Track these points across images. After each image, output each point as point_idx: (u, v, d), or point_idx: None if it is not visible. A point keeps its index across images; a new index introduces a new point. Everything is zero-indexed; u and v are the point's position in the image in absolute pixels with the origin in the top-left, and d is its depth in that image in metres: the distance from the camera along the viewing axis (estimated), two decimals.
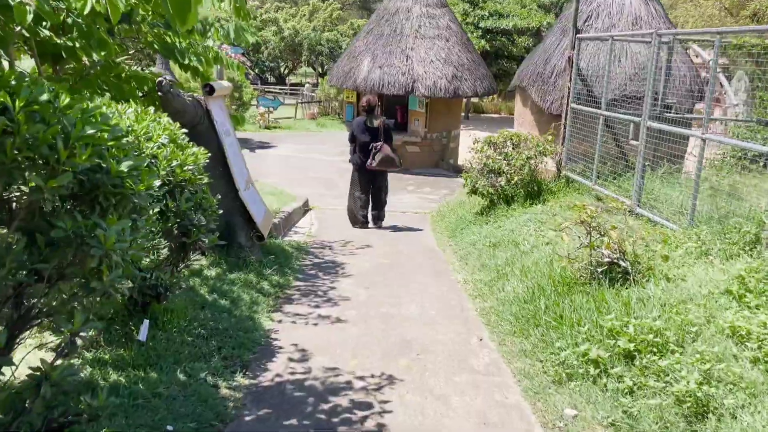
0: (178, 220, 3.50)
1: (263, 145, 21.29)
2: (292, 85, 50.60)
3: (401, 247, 7.82)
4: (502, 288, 5.35)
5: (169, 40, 6.83)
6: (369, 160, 8.60)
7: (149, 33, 6.86)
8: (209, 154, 4.04)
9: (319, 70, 50.73)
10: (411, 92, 16.62)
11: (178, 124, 4.00)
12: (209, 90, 5.51)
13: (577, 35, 7.78)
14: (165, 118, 4.75)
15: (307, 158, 19.00)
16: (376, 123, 8.70)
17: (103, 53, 5.79)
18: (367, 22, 18.58)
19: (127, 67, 7.06)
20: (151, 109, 5.56)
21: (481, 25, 32.74)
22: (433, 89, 16.53)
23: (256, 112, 26.10)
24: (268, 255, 6.30)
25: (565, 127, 8.15)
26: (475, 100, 35.26)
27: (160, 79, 4.98)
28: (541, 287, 4.73)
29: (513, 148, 7.99)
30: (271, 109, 26.63)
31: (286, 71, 55.84)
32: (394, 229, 9.43)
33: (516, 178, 7.59)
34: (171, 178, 3.44)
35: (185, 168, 3.53)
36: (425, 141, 17.65)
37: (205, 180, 3.93)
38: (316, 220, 10.09)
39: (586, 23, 10.83)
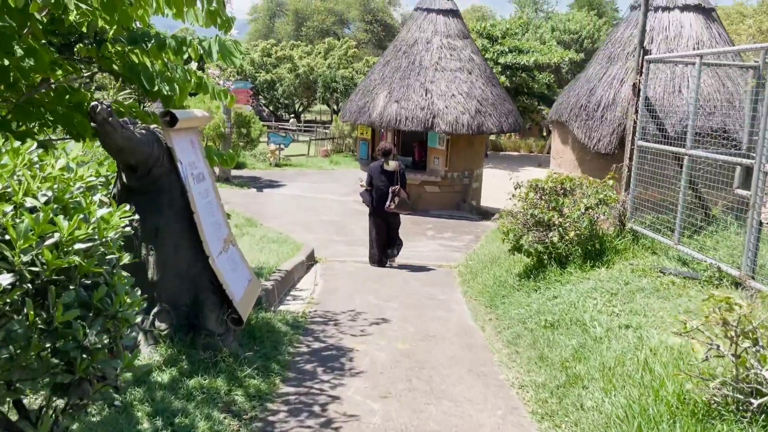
0: (50, 344, 1.97)
1: (272, 184, 19.92)
2: (306, 122, 49.72)
3: (427, 322, 6.18)
4: (578, 403, 3.70)
5: (136, 60, 5.41)
6: (388, 202, 8.93)
7: (109, 49, 5.43)
8: (135, 217, 2.51)
9: (334, 107, 49.86)
10: (430, 128, 15.19)
11: (92, 170, 2.50)
12: (169, 120, 4.03)
13: (646, 57, 6.31)
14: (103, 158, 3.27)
15: (318, 198, 17.56)
16: (392, 167, 9.04)
17: (31, 64, 4.36)
18: (383, 54, 17.31)
19: (89, 93, 5.64)
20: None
21: (501, 60, 31.57)
22: (455, 125, 15.09)
23: (266, 149, 24.84)
24: (250, 339, 4.73)
25: (629, 170, 6.60)
26: (493, 137, 33.89)
27: (94, 104, 3.51)
28: (647, 413, 3.10)
29: (564, 195, 6.44)
30: (282, 146, 25.37)
31: (301, 108, 55.10)
32: (415, 290, 7.86)
33: (572, 234, 6.02)
34: (37, 268, 1.91)
35: (70, 248, 1.99)
36: (446, 181, 16.15)
37: (125, 259, 2.39)
38: (321, 278, 8.52)
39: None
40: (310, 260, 9.45)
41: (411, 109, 15.27)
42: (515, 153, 36.43)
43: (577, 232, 6.04)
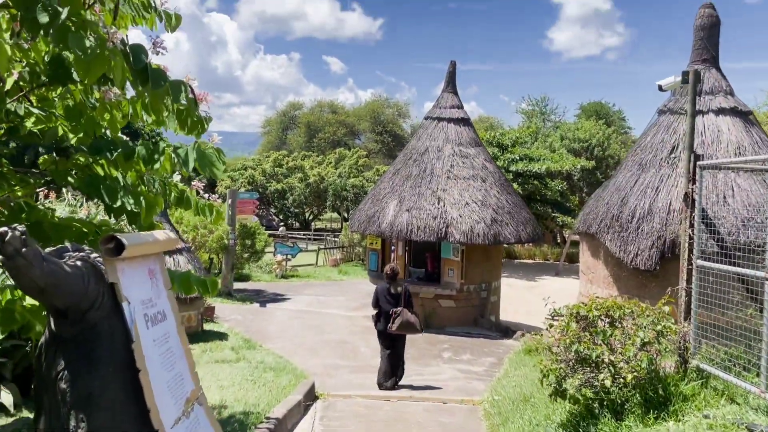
0: None
1: (277, 298, 18.84)
2: (316, 230, 49.37)
3: None
4: None
5: (101, 172, 4.57)
6: (389, 324, 9.04)
7: (70, 160, 4.62)
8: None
9: (345, 214, 49.72)
10: (444, 238, 14.29)
11: None
12: (114, 247, 3.08)
13: (699, 162, 5.43)
14: None
15: (325, 314, 16.39)
16: (398, 289, 9.28)
17: None
18: (394, 163, 16.78)
19: (49, 211, 4.77)
20: None
21: (512, 168, 31.35)
22: (470, 235, 14.19)
23: (272, 261, 23.98)
24: None
25: (688, 295, 5.53)
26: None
27: (2, 229, 2.58)
28: None
29: (612, 325, 5.34)
30: (289, 256, 24.53)
31: (311, 217, 55.03)
32: None
33: (630, 376, 4.86)
34: None
35: None
36: (461, 294, 15.02)
37: None
38: (320, 424, 7.24)
39: (672, 155, 8.56)
40: (309, 397, 8.18)
41: (423, 218, 14.46)
42: (530, 261, 35.38)
43: (635, 373, 4.89)
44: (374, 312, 9.48)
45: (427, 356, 12.07)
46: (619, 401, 5.07)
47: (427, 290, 15.08)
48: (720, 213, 7.69)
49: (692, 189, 5.50)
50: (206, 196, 5.83)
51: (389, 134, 62.76)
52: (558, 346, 5.35)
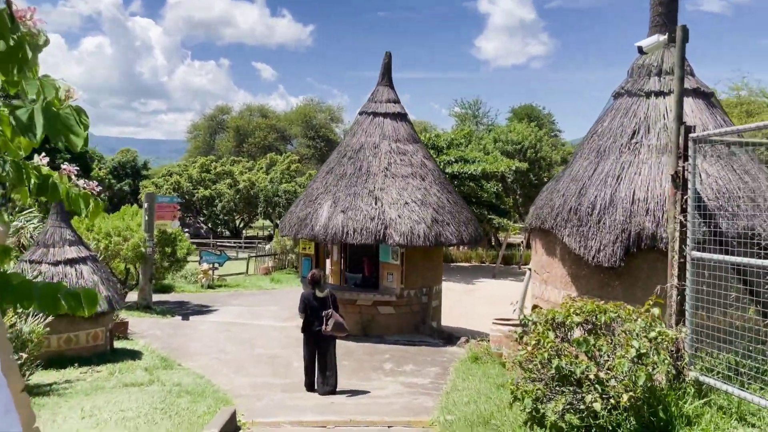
0: None
1: (202, 310, 17.30)
2: (247, 238, 47.43)
3: None
4: None
5: None
6: (323, 326, 9.11)
7: None
8: None
9: (276, 221, 48.02)
10: (382, 241, 13.26)
11: None
12: None
13: (691, 135, 4.62)
14: None
15: (255, 326, 15.04)
16: (323, 294, 9.36)
17: None
18: (327, 161, 15.64)
19: None
20: None
21: (448, 170, 30.75)
22: (410, 236, 13.23)
23: (197, 270, 22.30)
24: None
25: (680, 293, 4.69)
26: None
27: None
28: None
29: (592, 333, 4.42)
30: (216, 265, 22.90)
31: (242, 224, 52.93)
32: None
33: (626, 397, 3.94)
34: None
35: None
36: (402, 300, 14.03)
37: None
38: None
39: (633, 140, 7.83)
40: (229, 430, 6.90)
41: (359, 220, 13.39)
42: (467, 264, 34.93)
43: (631, 393, 3.99)
44: (302, 319, 9.44)
45: (367, 369, 10.99)
46: (610, 427, 4.15)
47: (365, 297, 14.01)
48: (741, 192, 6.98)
49: (684, 167, 4.70)
50: (80, 183, 4.50)
51: (322, 139, 61.43)
52: (533, 362, 4.39)
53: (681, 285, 4.73)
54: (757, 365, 4.40)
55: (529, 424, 4.39)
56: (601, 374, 4.18)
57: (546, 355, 4.28)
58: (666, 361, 4.28)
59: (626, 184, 7.52)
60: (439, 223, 13.76)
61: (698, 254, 4.56)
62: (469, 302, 20.84)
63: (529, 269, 16.11)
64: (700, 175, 7.24)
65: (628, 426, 4.16)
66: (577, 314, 4.58)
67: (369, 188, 13.98)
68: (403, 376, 10.51)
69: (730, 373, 4.40)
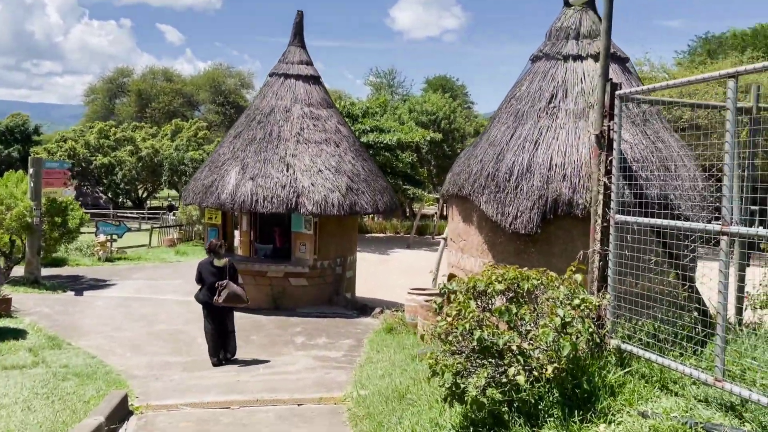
0: None
1: (98, 284, 16.06)
2: (151, 209, 45.12)
3: None
4: None
5: None
6: (215, 297, 8.88)
7: None
8: None
9: (183, 191, 45.98)
10: (294, 209, 12.67)
11: None
12: None
13: (617, 92, 4.38)
14: None
15: (156, 300, 14.10)
16: (221, 263, 9.11)
17: None
18: (234, 125, 14.73)
19: None
20: None
21: (363, 139, 30.26)
22: (324, 205, 12.71)
23: (94, 242, 20.77)
24: None
25: (603, 259, 4.49)
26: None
27: None
28: None
29: (517, 302, 4.14)
30: (114, 236, 21.43)
31: (145, 194, 50.33)
32: None
33: (550, 369, 3.69)
34: None
35: None
36: (315, 271, 13.54)
37: None
38: None
39: (551, 104, 7.65)
40: (119, 415, 6.19)
41: (270, 188, 12.71)
42: (381, 235, 34.85)
43: (555, 365, 3.73)
44: (198, 288, 9.21)
45: (277, 343, 10.47)
46: (533, 400, 3.90)
47: (277, 268, 13.41)
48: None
49: (609, 126, 4.47)
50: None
51: (232, 105, 59.02)
52: (452, 333, 4.05)
53: (604, 250, 4.54)
54: (677, 331, 4.28)
55: (449, 400, 4.07)
56: (525, 345, 3.92)
57: (468, 326, 3.96)
58: (590, 330, 4.08)
59: (544, 149, 7.34)
60: (354, 191, 13.32)
61: (622, 218, 4.36)
62: (384, 273, 20.65)
63: (444, 239, 16.05)
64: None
65: (551, 398, 3.93)
66: (499, 282, 4.30)
67: (280, 154, 13.29)
68: (315, 350, 10.09)
69: (650, 340, 4.26)
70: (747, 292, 5.83)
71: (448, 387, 3.89)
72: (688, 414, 3.54)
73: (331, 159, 13.54)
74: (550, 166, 7.20)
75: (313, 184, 12.91)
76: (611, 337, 4.34)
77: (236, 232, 15.68)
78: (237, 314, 12.65)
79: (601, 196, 4.55)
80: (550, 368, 3.75)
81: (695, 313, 4.48)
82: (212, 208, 13.65)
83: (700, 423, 3.34)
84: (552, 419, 3.82)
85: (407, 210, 38.72)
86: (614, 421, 3.68)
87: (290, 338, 10.86)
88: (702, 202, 6.57)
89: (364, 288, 15.76)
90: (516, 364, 3.83)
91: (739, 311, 4.98)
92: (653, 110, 7.32)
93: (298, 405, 6.75)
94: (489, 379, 3.85)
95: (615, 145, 4.42)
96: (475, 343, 3.90)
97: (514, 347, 3.87)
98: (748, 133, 4.77)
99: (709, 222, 4.31)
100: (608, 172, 4.51)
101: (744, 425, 3.31)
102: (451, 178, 8.59)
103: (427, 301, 9.96)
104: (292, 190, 12.75)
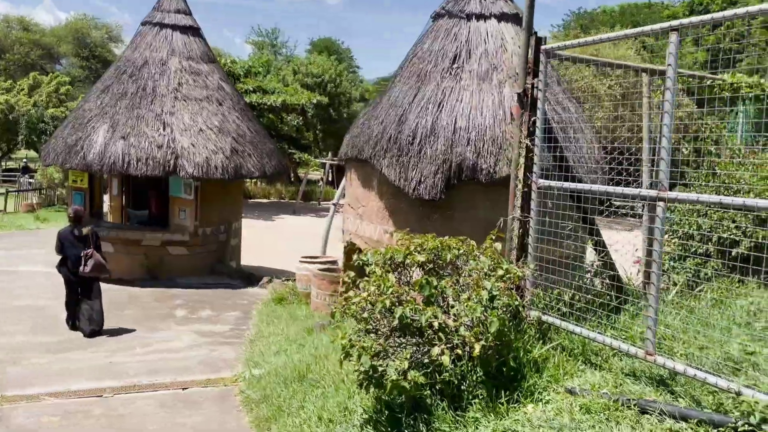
0: None
1: None
2: (6, 171, 40.65)
3: None
4: None
5: None
6: (81, 267, 8.57)
7: None
8: None
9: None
10: (172, 172, 11.63)
11: None
12: None
13: (543, 46, 4.07)
14: None
15: (14, 273, 12.55)
16: (84, 231, 8.78)
17: None
18: (102, 78, 13.23)
19: None
20: None
21: (245, 100, 28.86)
22: (206, 168, 11.78)
23: None
24: None
25: (523, 226, 4.20)
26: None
27: None
28: None
29: (437, 274, 3.77)
30: None
31: None
32: None
33: (478, 347, 3.35)
34: None
35: None
36: (196, 239, 12.61)
37: None
38: None
39: (455, 65, 7.33)
40: None
41: (144, 148, 11.55)
42: (265, 200, 33.75)
43: (483, 342, 3.42)
44: (59, 259, 8.81)
45: (155, 317, 9.60)
46: (456, 381, 3.58)
47: (153, 236, 12.33)
48: (511, 134, 6.72)
49: (534, 84, 4.17)
50: None
51: (98, 60, 54.11)
52: (366, 309, 3.62)
53: (524, 217, 4.29)
54: (593, 299, 4.14)
55: (364, 385, 3.66)
56: (450, 322, 3.58)
57: (387, 302, 3.55)
58: (516, 303, 3.83)
59: (448, 111, 7.03)
60: (240, 153, 12.46)
61: (546, 182, 4.12)
62: (270, 240, 19.88)
63: (334, 205, 15.57)
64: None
65: (474, 378, 3.65)
66: (419, 252, 3.91)
67: (156, 111, 12.10)
68: (198, 324, 9.35)
69: (569, 310, 4.10)
70: (638, 257, 5.92)
71: (365, 371, 3.47)
72: (618, 390, 3.39)
73: (213, 118, 12.55)
74: (454, 129, 6.91)
75: (193, 145, 11.90)
76: (531, 309, 4.12)
77: (106, 197, 14.32)
78: (109, 286, 11.56)
79: (522, 159, 4.27)
80: (477, 347, 3.44)
81: (608, 281, 4.37)
82: (77, 169, 12.22)
83: (632, 400, 3.19)
84: (477, 401, 3.54)
85: (292, 175, 37.78)
86: (542, 400, 3.46)
87: (170, 311, 10.01)
88: (600, 168, 6.59)
89: (250, 256, 14.99)
90: (440, 344, 3.49)
91: (647, 276, 4.97)
92: (554, 75, 7.21)
93: (183, 389, 6.07)
94: (412, 360, 3.47)
95: (539, 104, 4.14)
96: (396, 322, 3.50)
97: (436, 324, 3.52)
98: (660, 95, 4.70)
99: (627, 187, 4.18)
100: (530, 134, 4.24)
101: (678, 401, 3.19)
102: (349, 140, 8.09)
103: (322, 270, 9.49)
104: (170, 150, 11.67)
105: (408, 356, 3.45)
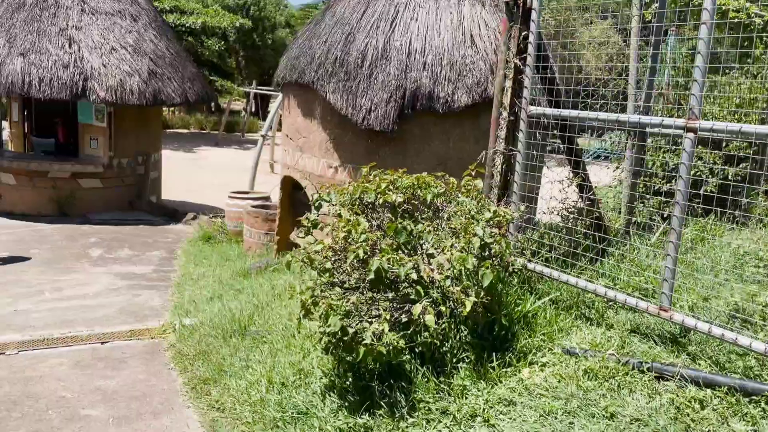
0: None
1: None
2: None
3: None
4: None
5: None
6: None
7: None
8: None
9: None
10: (81, 96, 10.35)
11: None
12: None
13: None
14: None
15: None
16: None
17: None
18: None
19: None
20: None
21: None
22: (120, 92, 10.55)
23: None
24: None
25: (508, 162, 3.63)
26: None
27: None
28: None
29: (412, 216, 3.18)
30: None
31: None
32: None
33: (469, 305, 2.83)
34: None
35: None
36: (111, 171, 11.47)
37: None
38: None
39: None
40: None
41: (48, 67, 10.16)
42: (185, 131, 31.81)
43: (474, 299, 2.90)
44: None
45: (67, 257, 8.60)
46: (437, 342, 3.05)
47: (61, 167, 11.08)
48: (471, 59, 6.08)
49: None
50: None
51: None
52: (338, 260, 2.99)
53: (509, 150, 3.73)
54: (579, 241, 3.72)
55: (334, 352, 3.06)
56: (436, 275, 3.03)
57: (361, 252, 2.93)
58: (509, 252, 3.32)
59: (401, 31, 6.30)
60: (159, 77, 11.23)
61: (539, 110, 3.54)
62: (193, 173, 18.66)
63: (262, 136, 14.58)
64: (479, 26, 6.35)
65: (459, 338, 3.15)
66: (392, 191, 3.29)
67: (60, 26, 10.63)
68: (117, 265, 8.45)
69: (557, 255, 3.65)
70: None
71: (332, 333, 2.88)
72: (624, 350, 2.99)
73: (127, 35, 11.18)
74: (408, 51, 6.20)
75: (105, 65, 10.58)
76: (516, 256, 3.63)
77: (5, 123, 12.77)
78: (12, 222, 10.38)
79: (509, 83, 3.67)
80: (468, 303, 2.92)
81: (593, 222, 3.95)
82: None
83: (645, 362, 2.79)
84: (463, 365, 3.05)
85: (213, 104, 35.72)
86: (537, 362, 3.02)
87: (84, 251, 9.02)
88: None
89: (172, 190, 13.92)
90: (421, 300, 2.94)
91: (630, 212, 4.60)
92: None
93: (102, 343, 5.30)
94: (391, 322, 2.91)
95: (534, 15, 3.50)
96: (372, 275, 2.91)
97: (416, 277, 2.97)
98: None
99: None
100: (521, 52, 3.63)
101: (696, 363, 2.82)
102: (287, 62, 7.21)
103: (255, 206, 8.72)
104: (78, 71, 10.32)
105: (388, 316, 2.89)
